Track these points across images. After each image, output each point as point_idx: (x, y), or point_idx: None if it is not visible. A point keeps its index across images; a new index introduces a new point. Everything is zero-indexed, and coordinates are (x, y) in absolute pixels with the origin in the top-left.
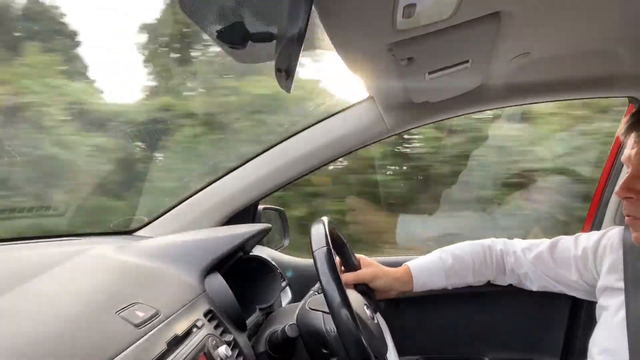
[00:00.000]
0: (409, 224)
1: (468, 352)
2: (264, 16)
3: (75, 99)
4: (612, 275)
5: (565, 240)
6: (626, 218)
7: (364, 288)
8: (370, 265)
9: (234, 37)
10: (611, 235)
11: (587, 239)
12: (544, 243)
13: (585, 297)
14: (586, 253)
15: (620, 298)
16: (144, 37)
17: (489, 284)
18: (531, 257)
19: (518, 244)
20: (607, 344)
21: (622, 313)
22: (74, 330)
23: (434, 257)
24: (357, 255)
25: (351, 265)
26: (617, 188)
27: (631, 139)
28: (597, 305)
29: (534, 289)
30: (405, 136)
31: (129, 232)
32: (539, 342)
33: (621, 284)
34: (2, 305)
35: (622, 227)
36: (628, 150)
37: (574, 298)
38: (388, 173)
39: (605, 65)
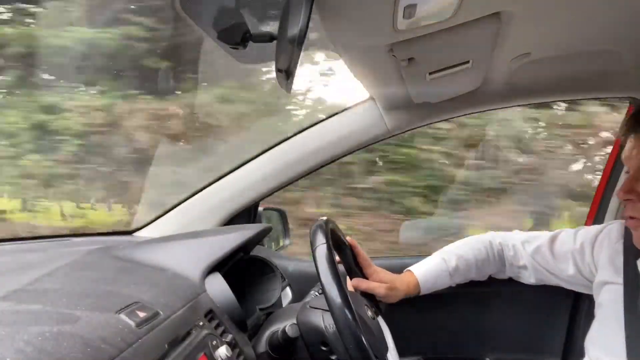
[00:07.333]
0: None
1: (469, 352)
2: (264, 16)
3: None
4: (609, 270)
5: (566, 234)
6: (628, 220)
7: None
8: (383, 277)
9: (235, 37)
10: (610, 229)
11: (586, 232)
12: (544, 236)
13: (584, 291)
14: (583, 247)
15: (618, 293)
16: None
17: (489, 284)
18: (530, 251)
19: (517, 236)
20: (604, 339)
21: (620, 308)
22: (73, 330)
23: (437, 259)
24: (370, 265)
25: (353, 269)
26: (617, 189)
27: (631, 140)
28: (595, 302)
29: (532, 281)
30: None
31: (129, 232)
32: (540, 342)
33: (619, 279)
34: (2, 305)
35: (623, 221)
36: (628, 151)
37: (574, 297)
38: None
39: (606, 65)
